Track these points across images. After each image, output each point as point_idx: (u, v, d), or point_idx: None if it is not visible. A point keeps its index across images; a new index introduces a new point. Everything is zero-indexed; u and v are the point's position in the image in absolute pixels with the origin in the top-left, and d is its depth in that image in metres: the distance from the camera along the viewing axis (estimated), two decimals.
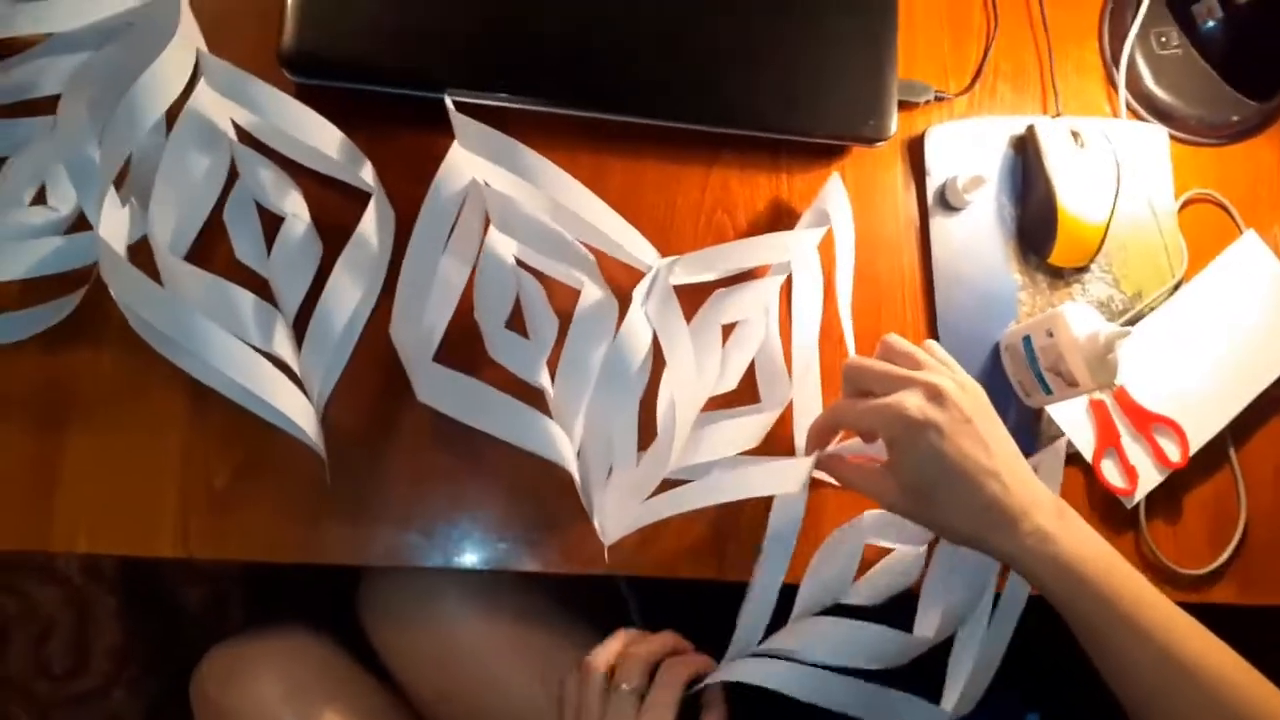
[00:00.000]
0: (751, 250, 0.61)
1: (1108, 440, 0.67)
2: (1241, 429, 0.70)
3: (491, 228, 0.57)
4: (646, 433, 0.59)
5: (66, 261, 0.52)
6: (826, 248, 0.63)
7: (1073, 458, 0.67)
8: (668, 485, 0.57)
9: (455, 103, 0.55)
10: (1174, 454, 0.67)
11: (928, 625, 0.59)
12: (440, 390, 0.55)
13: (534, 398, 0.57)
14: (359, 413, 0.58)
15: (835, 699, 0.56)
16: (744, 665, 0.56)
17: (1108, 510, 0.67)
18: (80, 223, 0.54)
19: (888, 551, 0.63)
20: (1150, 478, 0.67)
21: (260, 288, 0.56)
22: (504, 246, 0.58)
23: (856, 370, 0.54)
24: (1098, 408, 0.67)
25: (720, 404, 0.62)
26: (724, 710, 0.55)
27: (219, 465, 0.56)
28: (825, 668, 0.56)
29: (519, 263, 0.60)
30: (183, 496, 0.55)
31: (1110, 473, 0.67)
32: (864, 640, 0.57)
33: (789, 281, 0.64)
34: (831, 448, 0.59)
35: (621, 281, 0.60)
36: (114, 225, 0.51)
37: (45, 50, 0.54)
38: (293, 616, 0.66)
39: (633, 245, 0.58)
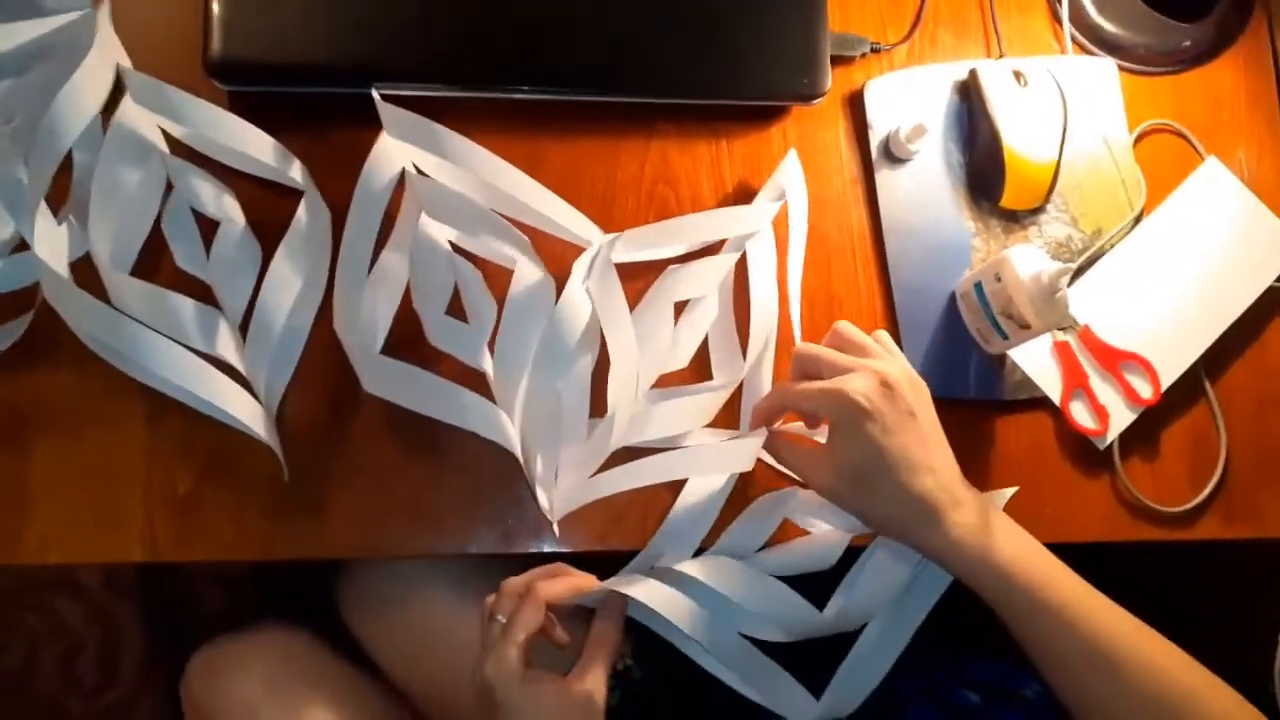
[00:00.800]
0: (701, 225, 0.61)
1: (1075, 381, 0.66)
2: (1216, 360, 0.68)
3: (423, 215, 0.58)
4: (600, 410, 0.60)
5: (10, 282, 0.54)
6: (780, 224, 0.63)
7: (1041, 402, 0.66)
8: (620, 461, 0.58)
9: (385, 96, 0.56)
10: (1145, 391, 0.66)
11: (833, 609, 0.58)
12: (385, 380, 0.56)
13: (481, 382, 0.58)
14: (315, 408, 0.59)
15: (717, 645, 0.55)
16: (632, 581, 0.54)
17: (1080, 453, 0.66)
18: (23, 244, 0.56)
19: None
20: (1122, 417, 0.66)
21: (206, 294, 0.58)
22: (437, 232, 0.59)
23: (805, 356, 0.55)
24: (1062, 349, 0.66)
25: (674, 381, 0.62)
26: (616, 623, 0.54)
27: (181, 470, 0.57)
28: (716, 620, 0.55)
29: (456, 249, 0.60)
30: (148, 503, 0.57)
31: (1080, 414, 0.66)
32: (769, 596, 0.56)
33: (744, 259, 0.63)
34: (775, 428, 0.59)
35: (567, 261, 0.60)
36: (52, 244, 0.52)
37: None
38: (276, 614, 0.68)
39: (572, 223, 0.58)
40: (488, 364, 0.58)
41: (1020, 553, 0.52)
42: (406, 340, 0.59)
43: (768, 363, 0.62)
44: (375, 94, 0.56)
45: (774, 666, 0.58)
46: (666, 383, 0.62)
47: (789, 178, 0.62)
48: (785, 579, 0.57)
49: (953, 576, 0.54)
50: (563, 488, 0.57)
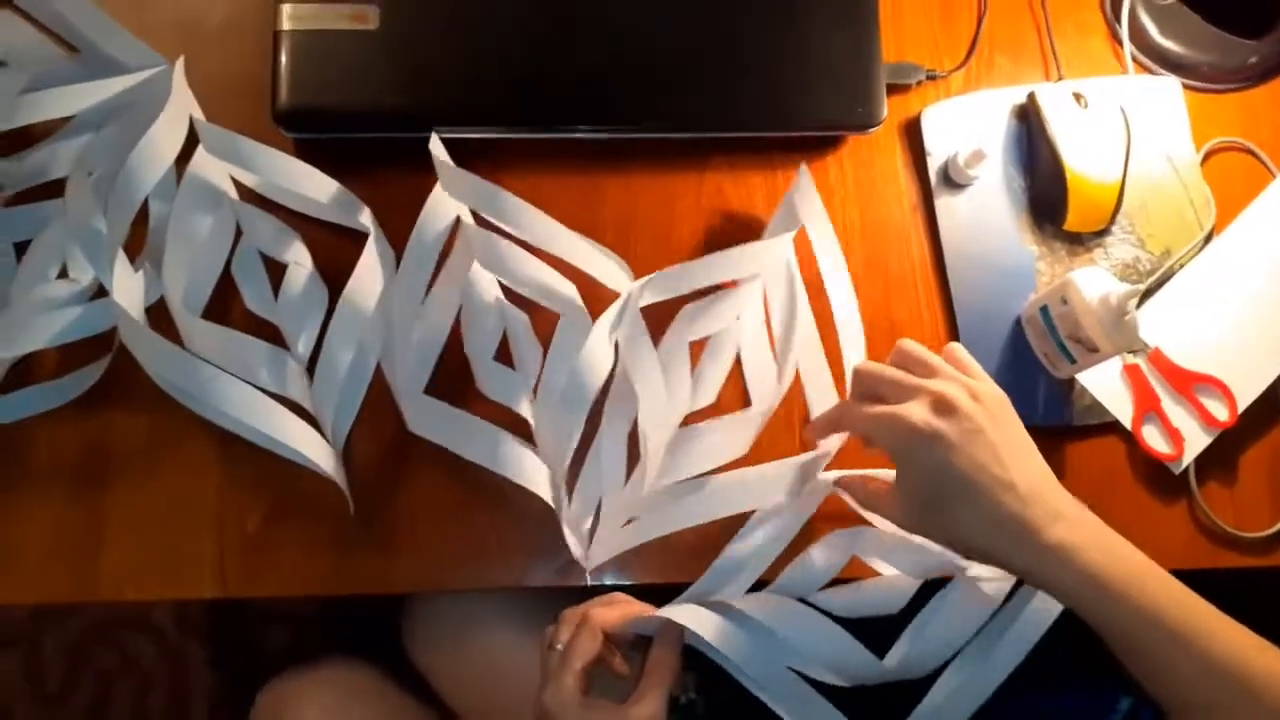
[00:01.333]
0: (720, 265, 0.59)
1: (1146, 405, 0.64)
2: None
3: (475, 264, 0.59)
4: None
5: (88, 327, 0.56)
6: (808, 244, 0.62)
7: (1112, 426, 0.64)
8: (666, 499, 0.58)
9: (447, 139, 0.57)
10: (1221, 413, 0.64)
11: (895, 657, 0.56)
12: (428, 420, 0.57)
13: (525, 427, 0.59)
14: (380, 446, 0.60)
15: (769, 680, 0.54)
16: (685, 610, 0.53)
17: (1155, 479, 0.64)
18: (102, 291, 0.58)
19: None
20: (1197, 440, 0.64)
21: (275, 335, 0.59)
22: (487, 281, 0.60)
23: (866, 375, 0.53)
24: (1133, 372, 0.64)
25: (703, 419, 0.61)
26: (673, 649, 0.53)
27: (251, 507, 0.59)
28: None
29: (507, 292, 0.61)
30: (219, 540, 0.58)
31: (1153, 438, 0.64)
32: (823, 639, 0.54)
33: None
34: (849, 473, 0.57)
35: (606, 300, 0.60)
36: (128, 289, 0.54)
37: (59, 136, 0.58)
38: (342, 649, 0.68)
39: (605, 274, 0.59)
40: (528, 409, 0.59)
41: (1122, 570, 0.48)
42: (452, 383, 0.60)
43: (827, 384, 0.61)
44: (433, 145, 0.57)
45: (828, 707, 0.56)
46: (696, 421, 0.61)
47: (802, 195, 0.61)
48: (851, 620, 0.56)
49: (1053, 597, 0.50)
50: (601, 537, 0.57)
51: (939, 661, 0.57)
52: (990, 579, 0.57)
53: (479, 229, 0.57)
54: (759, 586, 0.58)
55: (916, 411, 0.49)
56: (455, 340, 0.60)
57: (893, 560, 0.59)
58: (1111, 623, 0.47)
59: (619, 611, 0.52)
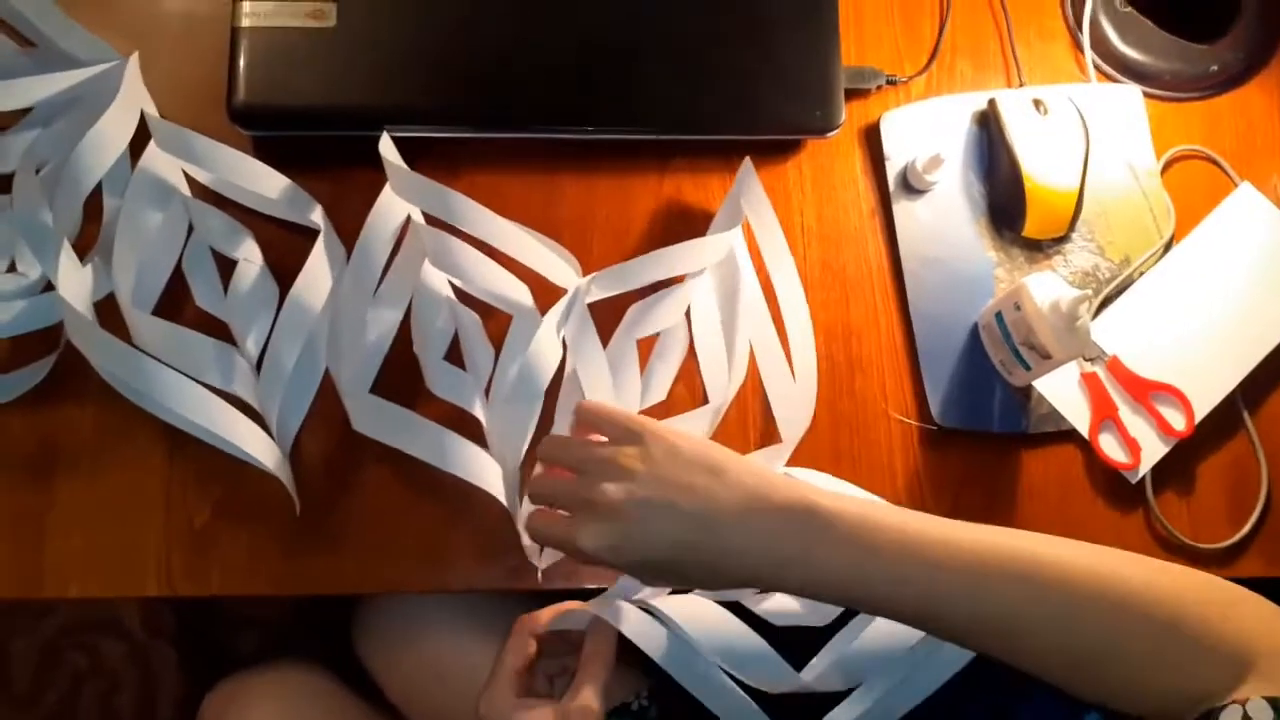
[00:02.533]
0: (668, 260, 0.59)
1: (1103, 413, 0.64)
2: (1255, 390, 0.66)
3: (426, 263, 0.58)
4: None
5: (35, 321, 0.55)
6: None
7: (1069, 435, 0.64)
8: None
9: (404, 138, 0.57)
10: (1178, 422, 0.64)
11: (813, 671, 0.56)
12: (374, 419, 0.57)
13: (475, 427, 0.59)
14: (329, 445, 0.59)
15: (696, 680, 0.53)
16: (612, 608, 0.53)
17: (1111, 488, 0.64)
18: (51, 285, 0.58)
19: None
20: (1154, 449, 0.64)
21: (226, 333, 0.59)
22: (439, 280, 0.60)
23: (554, 447, 0.51)
24: (1090, 380, 0.64)
25: (659, 415, 0.61)
26: (608, 639, 0.52)
27: (198, 504, 0.58)
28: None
29: (459, 293, 0.61)
30: (165, 537, 0.58)
31: (1109, 447, 0.63)
32: (740, 646, 0.54)
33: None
34: None
35: (557, 298, 0.60)
36: (75, 283, 0.54)
37: (14, 130, 0.58)
38: (294, 652, 0.68)
39: (554, 271, 0.59)
40: (481, 410, 0.59)
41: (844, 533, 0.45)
42: (400, 383, 0.59)
43: (809, 367, 0.62)
44: (382, 147, 0.56)
45: (753, 708, 0.55)
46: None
47: (746, 188, 0.60)
48: (778, 630, 0.56)
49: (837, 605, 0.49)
50: None
51: (860, 678, 0.56)
52: None
53: (431, 228, 0.57)
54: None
55: (584, 537, 0.46)
56: (404, 340, 0.60)
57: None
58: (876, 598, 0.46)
59: (548, 612, 0.52)
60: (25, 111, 0.59)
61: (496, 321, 0.61)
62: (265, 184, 0.57)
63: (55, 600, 1.00)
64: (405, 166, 0.56)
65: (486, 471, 0.57)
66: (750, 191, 0.60)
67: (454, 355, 0.61)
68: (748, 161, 0.61)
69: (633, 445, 0.47)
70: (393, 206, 0.58)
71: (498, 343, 0.61)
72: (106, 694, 1.09)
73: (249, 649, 1.09)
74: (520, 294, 0.59)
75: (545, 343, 0.54)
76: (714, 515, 0.45)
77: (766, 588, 0.50)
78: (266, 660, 0.69)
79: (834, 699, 0.56)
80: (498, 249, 0.58)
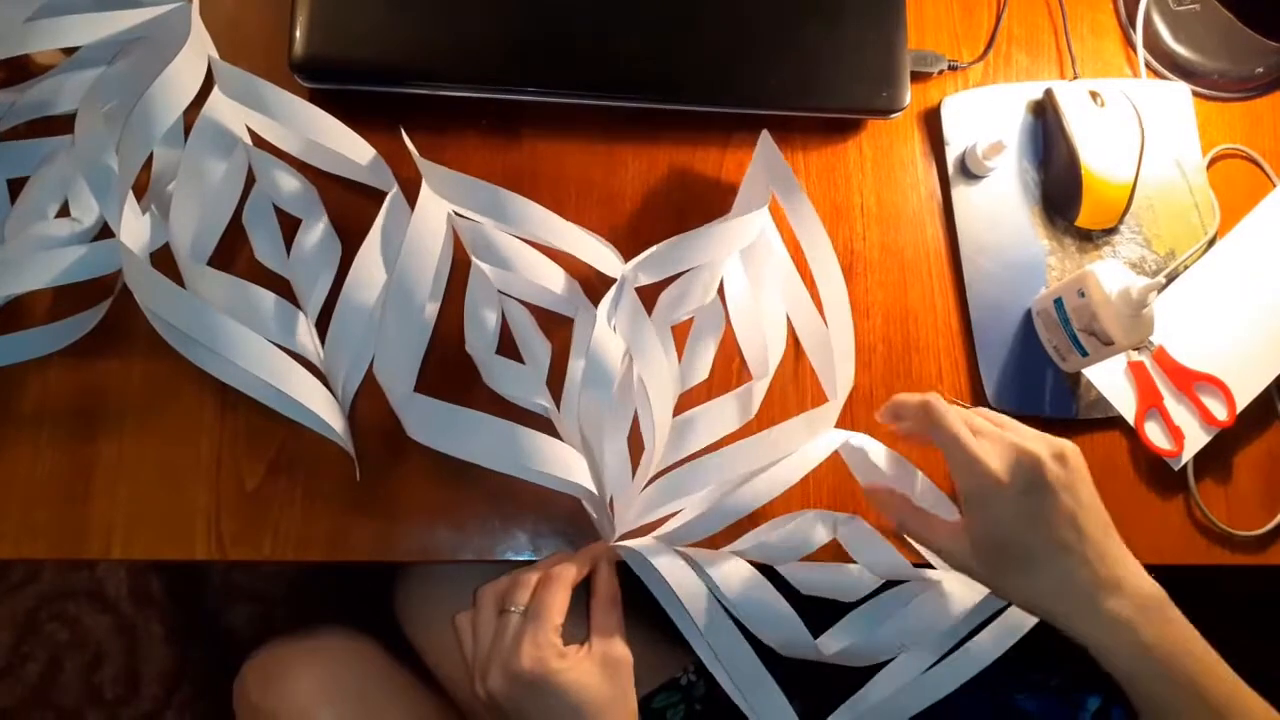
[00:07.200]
0: (707, 241, 0.58)
1: (1149, 401, 0.65)
2: None
3: (473, 258, 0.57)
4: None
5: (91, 269, 0.53)
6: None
7: (1115, 421, 0.65)
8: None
9: (465, 98, 0.55)
10: (1220, 412, 0.65)
11: (832, 645, 0.56)
12: (428, 425, 0.53)
13: (533, 421, 0.57)
14: (384, 410, 0.57)
15: (714, 634, 0.54)
16: (649, 548, 0.53)
17: (1154, 474, 0.65)
18: (104, 233, 0.55)
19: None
20: (1197, 438, 0.65)
21: (284, 289, 0.57)
22: (487, 275, 0.59)
23: (901, 405, 0.52)
24: (1137, 369, 0.65)
25: (704, 395, 0.61)
26: (611, 573, 0.53)
27: (250, 466, 0.56)
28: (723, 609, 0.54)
29: (500, 293, 0.60)
30: (215, 499, 0.56)
31: (1155, 435, 0.65)
32: (767, 607, 0.54)
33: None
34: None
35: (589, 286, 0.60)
36: (135, 231, 0.52)
37: (62, 69, 0.55)
38: (332, 620, 0.66)
39: (597, 259, 0.58)
40: (546, 402, 0.57)
41: (1180, 651, 0.47)
42: (446, 380, 0.58)
43: (846, 339, 0.60)
44: (411, 147, 0.55)
45: (766, 677, 0.56)
46: (696, 399, 0.61)
47: (768, 160, 0.59)
48: (807, 599, 0.56)
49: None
50: (621, 507, 0.56)
51: (884, 656, 0.57)
52: (962, 593, 0.57)
53: (472, 223, 0.56)
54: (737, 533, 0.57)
55: (1042, 448, 0.47)
56: (445, 339, 0.58)
57: (867, 558, 0.57)
58: (1158, 702, 0.47)
59: (583, 557, 0.52)
60: (72, 50, 0.56)
61: (537, 313, 0.60)
62: (333, 139, 0.55)
63: (40, 564, 0.97)
64: (437, 165, 0.54)
65: (573, 464, 0.54)
66: (773, 161, 0.59)
67: (503, 352, 0.59)
68: (765, 134, 0.59)
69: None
70: (432, 207, 0.54)
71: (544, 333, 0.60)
72: (89, 667, 1.05)
73: (242, 623, 1.07)
74: (570, 285, 0.58)
75: (602, 335, 0.54)
76: (1091, 532, 0.48)
77: (1059, 618, 0.49)
78: (276, 633, 0.67)
79: (835, 681, 0.56)
80: (538, 240, 0.57)
